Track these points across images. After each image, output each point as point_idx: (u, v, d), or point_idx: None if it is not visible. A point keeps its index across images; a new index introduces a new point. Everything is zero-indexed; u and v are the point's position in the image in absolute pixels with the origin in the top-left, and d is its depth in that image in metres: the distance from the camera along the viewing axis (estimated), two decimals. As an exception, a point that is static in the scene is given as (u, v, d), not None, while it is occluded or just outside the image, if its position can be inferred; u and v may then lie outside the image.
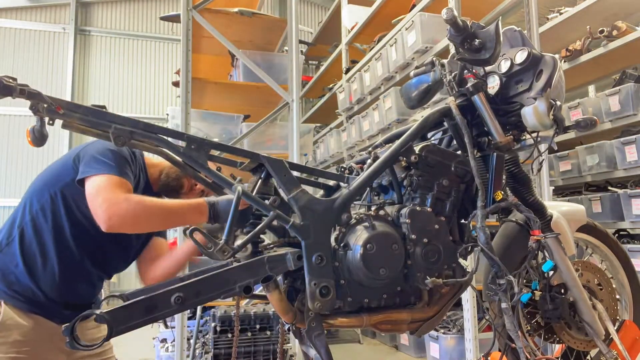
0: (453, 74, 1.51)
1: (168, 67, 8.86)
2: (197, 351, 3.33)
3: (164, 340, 3.76)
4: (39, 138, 1.20)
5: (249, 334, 3.07)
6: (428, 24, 3.56)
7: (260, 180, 1.36)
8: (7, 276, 1.50)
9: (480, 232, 1.33)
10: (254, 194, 1.32)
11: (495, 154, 1.41)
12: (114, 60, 8.73)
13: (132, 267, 1.79)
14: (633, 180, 3.72)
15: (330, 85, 6.00)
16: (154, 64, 8.92)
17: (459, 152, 1.45)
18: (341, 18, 5.59)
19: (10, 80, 1.14)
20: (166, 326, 3.45)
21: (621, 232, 3.70)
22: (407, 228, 1.33)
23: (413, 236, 1.32)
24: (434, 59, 1.56)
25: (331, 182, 1.54)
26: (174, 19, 4.54)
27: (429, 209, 1.36)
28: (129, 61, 8.81)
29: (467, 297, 2.95)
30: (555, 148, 1.54)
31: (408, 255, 1.32)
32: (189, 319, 3.51)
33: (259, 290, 1.36)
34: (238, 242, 1.28)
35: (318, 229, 1.28)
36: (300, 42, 6.36)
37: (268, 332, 3.11)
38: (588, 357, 1.72)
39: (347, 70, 5.22)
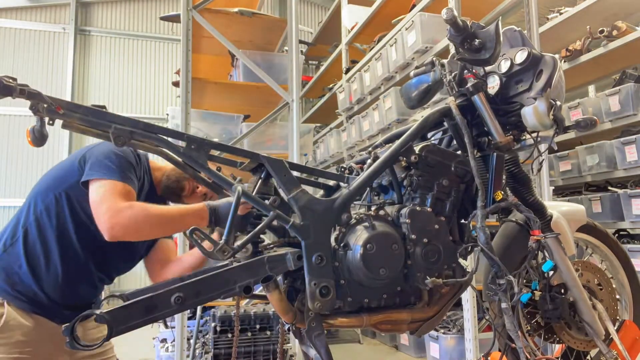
0: (453, 74, 1.51)
1: (168, 67, 8.86)
2: (197, 351, 3.33)
3: (164, 340, 3.76)
4: (39, 138, 1.20)
5: (249, 334, 3.08)
6: (428, 24, 3.56)
7: (260, 180, 1.36)
8: (10, 276, 1.50)
9: (480, 232, 1.33)
10: (254, 194, 1.32)
11: (495, 154, 1.41)
12: (114, 60, 8.73)
13: (133, 267, 1.79)
14: (633, 180, 3.72)
15: (330, 85, 5.99)
16: (154, 64, 8.92)
17: (459, 152, 1.45)
18: (341, 18, 5.59)
19: (10, 80, 1.14)
20: (166, 326, 3.45)
21: (621, 232, 3.70)
22: (407, 228, 1.33)
23: (413, 236, 1.32)
24: (434, 59, 1.56)
25: (331, 182, 1.54)
26: (174, 19, 4.54)
27: (429, 209, 1.36)
28: (129, 61, 8.81)
29: (467, 297, 2.95)
30: (555, 148, 1.54)
31: (408, 255, 1.32)
32: (189, 319, 3.51)
33: (259, 290, 1.36)
34: (238, 242, 1.28)
35: (318, 229, 1.28)
36: (300, 42, 6.36)
37: (268, 332, 3.11)
38: (588, 357, 1.72)
39: (347, 70, 5.22)
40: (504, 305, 1.32)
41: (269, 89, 3.65)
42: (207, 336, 3.22)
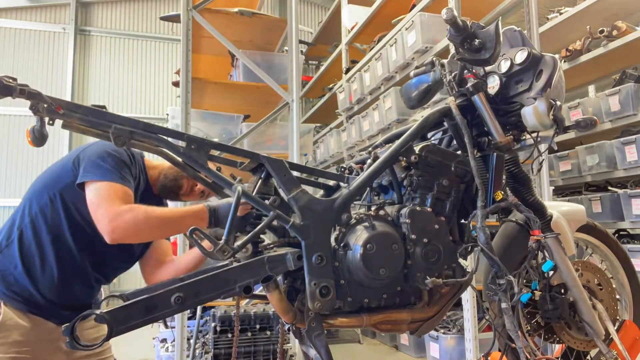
0: (453, 74, 1.50)
1: (168, 67, 8.86)
2: (197, 351, 3.33)
3: (164, 340, 3.76)
4: (39, 138, 1.20)
5: (249, 334, 3.07)
6: (428, 24, 3.56)
7: (260, 180, 1.36)
8: (6, 277, 1.50)
9: (480, 232, 1.33)
10: (254, 194, 1.32)
11: (495, 154, 1.41)
12: (114, 60, 8.73)
13: (133, 267, 1.79)
14: (633, 180, 3.72)
15: (330, 85, 5.99)
16: (154, 64, 8.92)
17: (459, 152, 1.45)
18: (341, 18, 5.59)
19: (10, 80, 1.14)
20: (166, 326, 3.45)
21: (621, 232, 3.70)
22: (407, 228, 1.33)
23: (413, 236, 1.32)
24: (434, 59, 1.56)
25: (331, 182, 1.54)
26: (174, 19, 4.55)
27: (429, 209, 1.36)
28: (129, 61, 8.81)
29: (467, 297, 2.95)
30: (555, 148, 1.54)
31: (408, 255, 1.32)
32: (189, 319, 3.51)
33: (259, 290, 1.36)
34: (238, 242, 1.28)
35: (318, 229, 1.28)
36: (300, 42, 6.36)
37: (268, 332, 3.11)
38: (588, 357, 1.72)
39: (347, 70, 5.22)
40: (504, 305, 1.32)
41: (269, 89, 3.65)
42: (207, 336, 3.22)
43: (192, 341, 3.37)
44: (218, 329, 3.07)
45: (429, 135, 1.60)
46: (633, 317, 1.76)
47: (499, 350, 1.47)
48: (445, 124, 1.51)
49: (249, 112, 4.16)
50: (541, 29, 3.70)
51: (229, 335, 3.04)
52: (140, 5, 8.94)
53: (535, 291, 1.50)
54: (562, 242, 1.53)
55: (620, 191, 3.51)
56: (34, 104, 1.16)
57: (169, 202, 1.89)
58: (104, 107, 1.29)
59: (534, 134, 1.53)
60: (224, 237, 1.22)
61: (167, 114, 4.35)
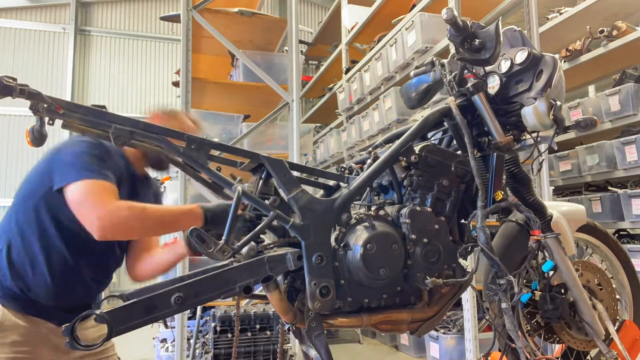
0: (453, 74, 1.50)
1: (168, 67, 8.86)
2: (197, 351, 3.33)
3: (164, 340, 3.76)
4: (38, 138, 1.20)
5: (249, 334, 3.07)
6: (428, 24, 3.56)
7: (260, 180, 1.36)
8: (1, 282, 1.49)
9: (480, 232, 1.33)
10: (254, 194, 1.32)
11: (495, 154, 1.41)
12: (114, 60, 8.73)
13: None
14: (633, 180, 3.72)
15: (330, 85, 5.99)
16: (154, 64, 8.92)
17: (459, 152, 1.45)
18: (341, 18, 5.59)
19: (10, 80, 1.14)
20: (166, 326, 3.46)
21: (621, 232, 3.70)
22: (407, 228, 1.33)
23: (413, 236, 1.32)
24: (434, 59, 1.56)
25: (331, 182, 1.54)
26: (174, 19, 4.55)
27: (429, 209, 1.36)
28: (129, 61, 8.81)
29: (467, 297, 2.95)
30: (555, 148, 1.54)
31: (408, 255, 1.32)
32: (189, 319, 3.51)
33: (259, 290, 1.36)
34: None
35: (318, 229, 1.28)
36: (300, 42, 6.36)
37: (268, 332, 3.11)
38: (588, 357, 1.72)
39: (347, 70, 5.22)
40: (504, 305, 1.32)
41: (269, 89, 3.65)
42: (207, 336, 3.22)
43: (192, 341, 3.37)
44: (218, 329, 3.07)
45: (429, 135, 1.60)
46: (633, 317, 1.76)
47: (499, 350, 1.47)
48: (445, 124, 1.51)
49: (249, 112, 4.17)
50: (541, 29, 3.70)
51: (229, 335, 3.04)
52: (140, 5, 8.94)
53: (535, 291, 1.50)
54: (562, 242, 1.53)
55: (620, 191, 3.51)
56: (34, 104, 1.16)
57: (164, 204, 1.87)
58: (104, 107, 1.29)
59: (534, 134, 1.53)
60: (224, 237, 1.22)
61: (167, 114, 4.34)
